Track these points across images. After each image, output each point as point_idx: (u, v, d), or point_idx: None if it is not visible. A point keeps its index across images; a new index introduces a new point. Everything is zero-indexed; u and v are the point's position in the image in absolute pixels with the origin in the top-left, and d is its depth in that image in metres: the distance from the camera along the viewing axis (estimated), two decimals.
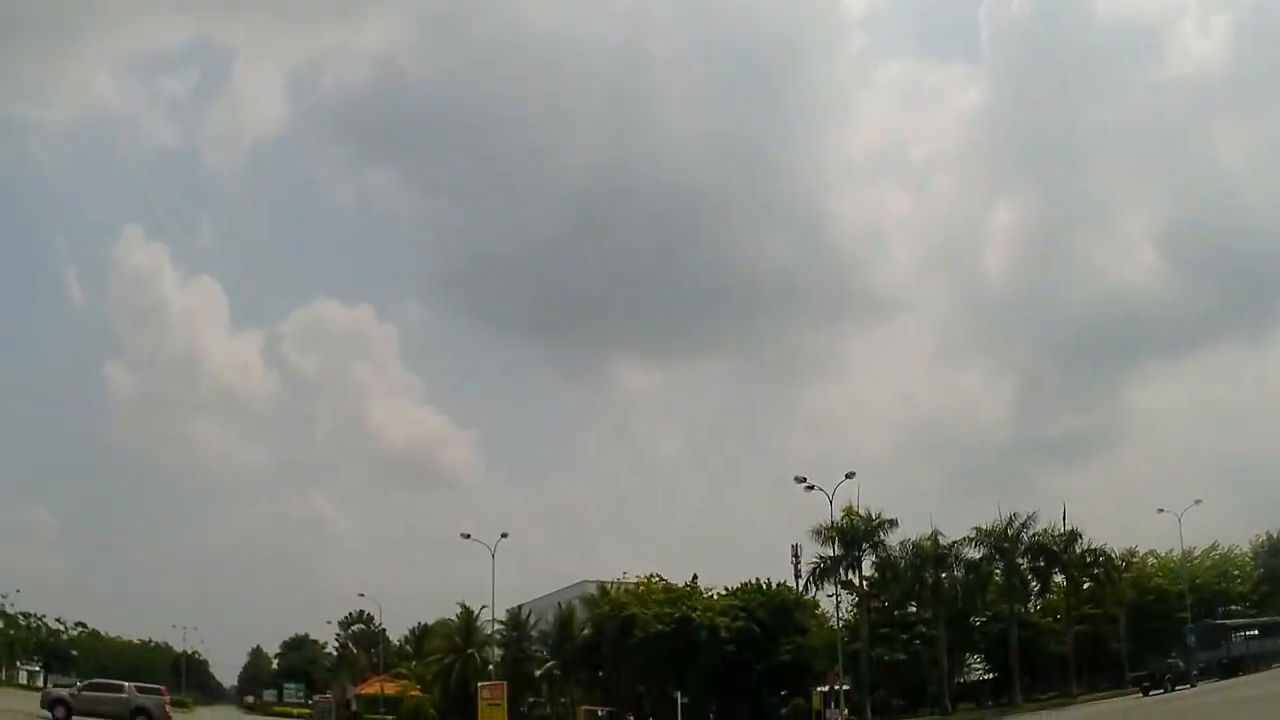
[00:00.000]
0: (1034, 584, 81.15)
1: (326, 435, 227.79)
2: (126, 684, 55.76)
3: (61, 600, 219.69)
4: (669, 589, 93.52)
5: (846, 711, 72.26)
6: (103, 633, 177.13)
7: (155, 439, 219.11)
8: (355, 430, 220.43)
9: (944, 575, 77.41)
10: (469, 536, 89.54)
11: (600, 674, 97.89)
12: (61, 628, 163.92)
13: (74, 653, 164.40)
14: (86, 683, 61.80)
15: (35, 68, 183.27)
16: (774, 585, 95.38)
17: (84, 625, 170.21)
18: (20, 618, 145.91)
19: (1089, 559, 78.37)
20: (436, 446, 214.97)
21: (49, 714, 54.26)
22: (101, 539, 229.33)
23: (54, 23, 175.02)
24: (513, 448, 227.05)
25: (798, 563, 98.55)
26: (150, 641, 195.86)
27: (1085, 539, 78.03)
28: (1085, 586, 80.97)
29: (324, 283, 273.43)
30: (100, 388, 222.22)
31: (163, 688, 56.70)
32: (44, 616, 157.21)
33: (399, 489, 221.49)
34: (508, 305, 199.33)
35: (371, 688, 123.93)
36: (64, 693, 57.72)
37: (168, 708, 55.48)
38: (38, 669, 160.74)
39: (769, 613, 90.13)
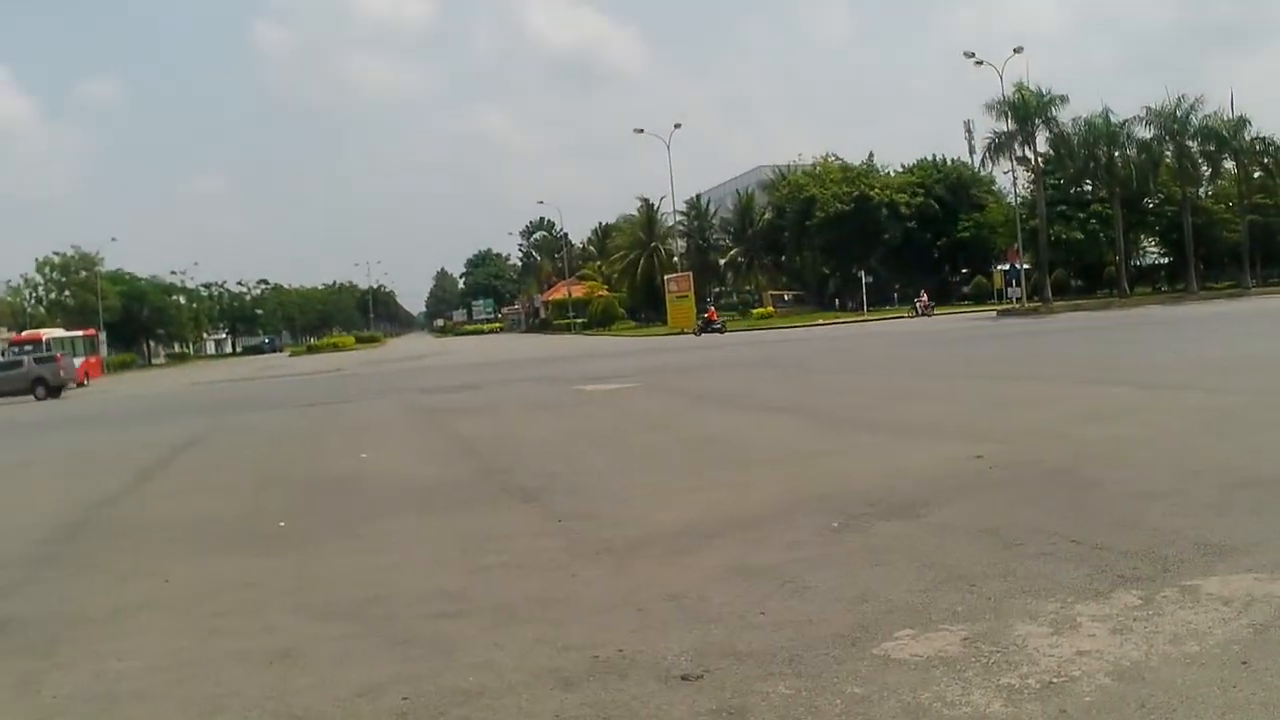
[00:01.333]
0: (1205, 168, 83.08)
1: (487, 49, 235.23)
2: (26, 358, 63.34)
3: (243, 262, 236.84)
4: (846, 168, 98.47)
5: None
6: (286, 286, 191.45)
7: (315, 86, 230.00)
8: (515, 39, 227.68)
9: (1116, 154, 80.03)
10: (642, 131, 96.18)
11: (783, 258, 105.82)
12: (244, 289, 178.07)
13: (259, 311, 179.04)
14: None
15: None
16: (949, 162, 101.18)
17: (266, 282, 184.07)
18: (201, 289, 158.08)
19: (1259, 147, 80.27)
20: (599, 45, 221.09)
21: None
22: (275, 195, 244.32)
23: None
24: (676, 37, 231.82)
25: (971, 139, 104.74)
26: (335, 284, 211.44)
27: (1254, 127, 79.65)
28: (1255, 176, 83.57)
29: None
30: (251, 48, 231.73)
31: (59, 354, 63.77)
32: (224, 282, 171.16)
33: (567, 92, 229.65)
34: None
35: (559, 293, 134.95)
36: None
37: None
38: (224, 335, 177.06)
39: (947, 189, 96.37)
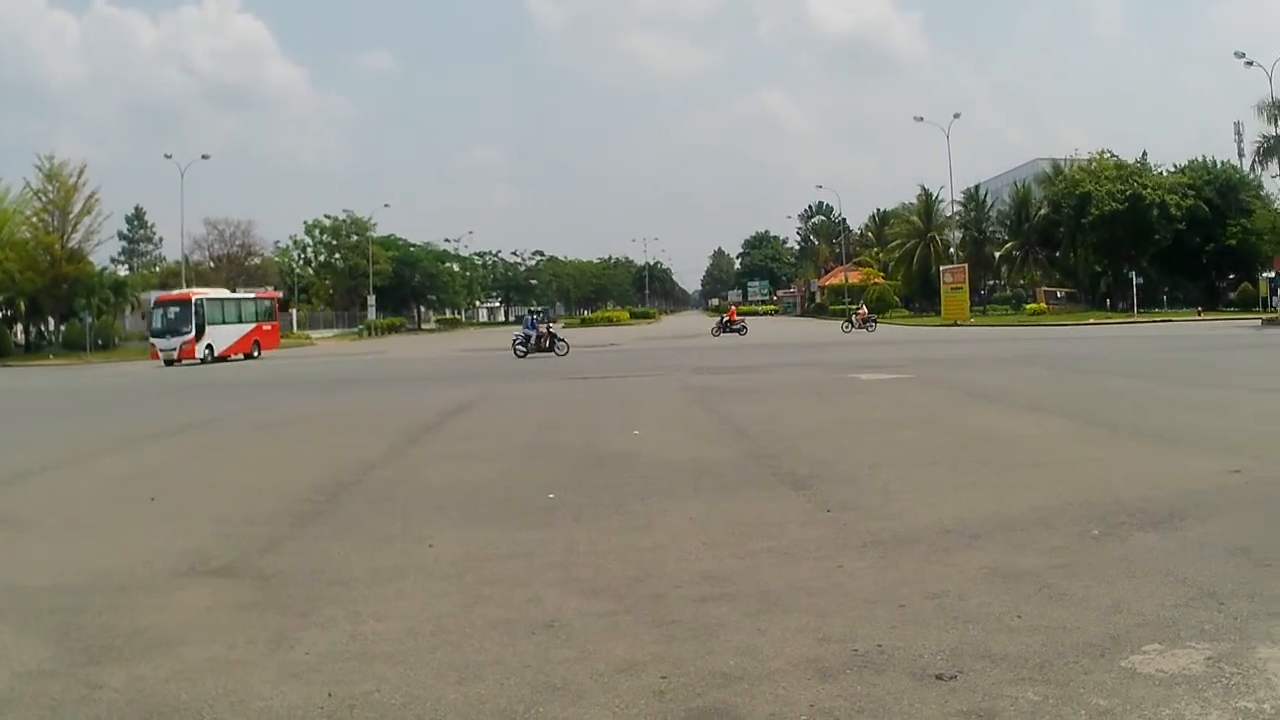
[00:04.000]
0: None
1: (769, 31, 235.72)
2: None
3: (520, 233, 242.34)
4: (1120, 165, 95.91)
5: None
6: (561, 258, 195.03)
7: (594, 61, 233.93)
8: (797, 22, 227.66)
9: None
10: (922, 119, 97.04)
11: (1057, 254, 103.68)
12: (518, 259, 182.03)
13: (533, 282, 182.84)
14: None
15: None
16: (1220, 164, 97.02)
17: (541, 253, 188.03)
18: (475, 258, 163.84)
19: None
20: (881, 29, 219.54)
21: None
22: (552, 168, 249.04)
23: None
24: (957, 26, 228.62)
25: (1241, 141, 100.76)
26: (611, 259, 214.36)
27: None
28: None
29: None
30: (529, 22, 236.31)
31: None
32: (499, 252, 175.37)
33: (848, 77, 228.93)
34: None
35: (835, 278, 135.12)
36: None
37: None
38: (497, 303, 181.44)
39: (1216, 191, 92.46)
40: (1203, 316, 74.06)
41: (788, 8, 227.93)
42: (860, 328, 70.81)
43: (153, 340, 62.19)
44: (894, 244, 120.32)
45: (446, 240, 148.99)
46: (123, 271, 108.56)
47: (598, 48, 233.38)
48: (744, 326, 73.81)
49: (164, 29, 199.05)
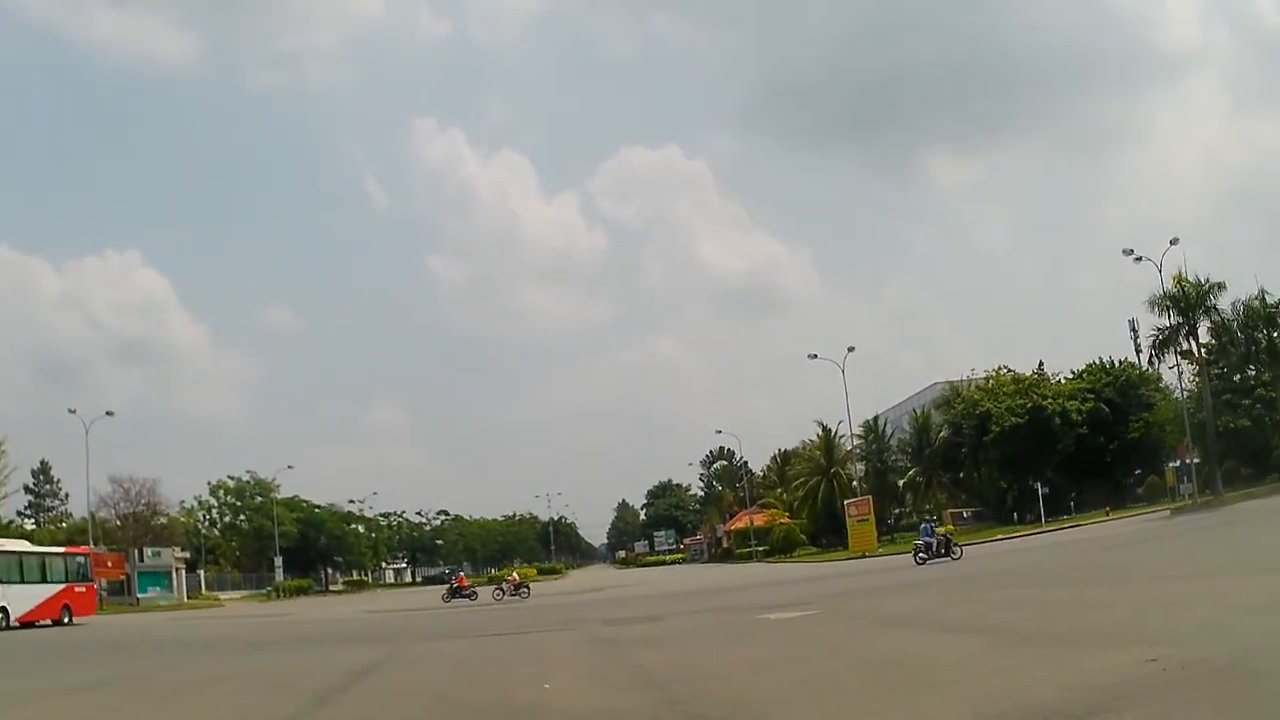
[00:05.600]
0: None
1: (660, 279, 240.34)
2: None
3: (424, 492, 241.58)
4: (1018, 379, 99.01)
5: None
6: (466, 517, 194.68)
7: (490, 317, 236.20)
8: (688, 269, 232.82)
9: (1276, 335, 78.87)
10: (816, 356, 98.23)
11: (961, 475, 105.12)
12: (423, 519, 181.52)
13: (439, 542, 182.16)
14: None
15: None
16: (1117, 363, 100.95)
17: (446, 513, 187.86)
18: (380, 518, 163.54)
19: None
20: (771, 270, 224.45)
21: None
22: (453, 425, 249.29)
23: None
24: (843, 259, 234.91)
25: (1136, 337, 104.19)
26: (515, 516, 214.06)
27: None
28: None
29: (624, 131, 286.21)
30: (427, 281, 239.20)
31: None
32: (404, 513, 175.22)
33: (740, 319, 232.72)
34: (815, 120, 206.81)
35: (740, 522, 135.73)
36: None
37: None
38: (404, 564, 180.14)
39: (1116, 390, 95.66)
40: (1111, 516, 75.98)
41: (677, 257, 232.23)
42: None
43: None
44: (797, 483, 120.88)
45: (351, 501, 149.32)
46: (29, 526, 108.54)
47: (495, 305, 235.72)
48: (475, 592, 68.35)
49: (67, 279, 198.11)
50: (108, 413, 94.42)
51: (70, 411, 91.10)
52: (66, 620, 56.25)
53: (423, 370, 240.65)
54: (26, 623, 53.43)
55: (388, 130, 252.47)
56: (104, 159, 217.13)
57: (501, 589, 67.91)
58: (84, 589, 60.38)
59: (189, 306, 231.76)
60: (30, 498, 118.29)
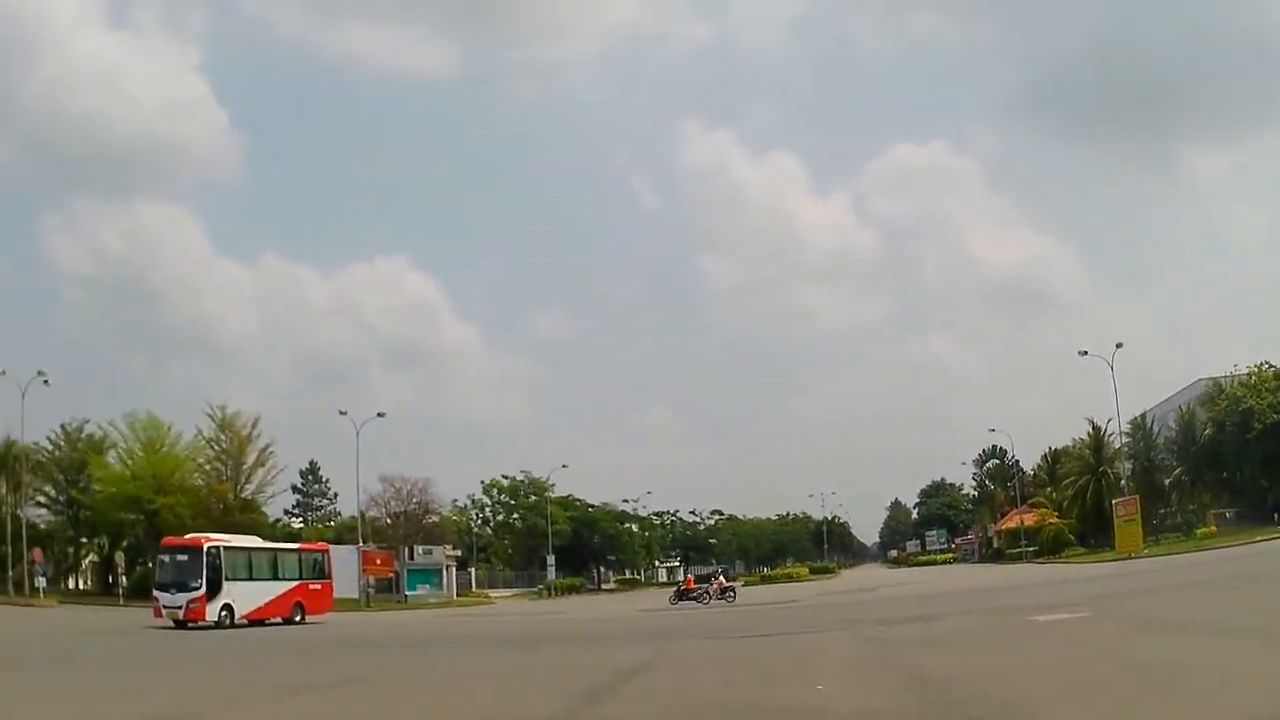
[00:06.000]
0: None
1: (931, 277, 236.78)
2: None
3: (697, 492, 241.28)
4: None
5: None
6: (740, 516, 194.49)
7: (763, 317, 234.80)
8: (958, 266, 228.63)
9: None
10: (1086, 353, 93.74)
11: (1224, 474, 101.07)
12: (696, 518, 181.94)
13: (712, 541, 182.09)
14: None
15: (555, 9, 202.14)
16: None
17: (719, 512, 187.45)
18: (653, 517, 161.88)
19: None
20: (1038, 266, 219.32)
21: None
22: (726, 425, 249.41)
23: None
24: (1107, 253, 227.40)
25: None
26: (789, 515, 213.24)
27: None
28: None
29: (891, 129, 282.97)
30: (698, 282, 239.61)
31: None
32: (677, 512, 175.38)
33: (1010, 315, 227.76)
34: (1075, 114, 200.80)
35: (1011, 521, 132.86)
36: None
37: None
38: (677, 563, 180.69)
39: None
40: None
41: (948, 255, 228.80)
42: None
43: (156, 594, 50.50)
44: (1066, 481, 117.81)
45: (625, 500, 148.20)
46: (296, 525, 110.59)
47: (767, 304, 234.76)
48: (704, 594, 66.39)
49: (335, 284, 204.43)
50: (379, 414, 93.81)
51: (341, 413, 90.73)
52: (299, 619, 54.17)
53: (695, 370, 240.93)
54: (256, 620, 51.30)
55: (653, 134, 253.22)
56: (370, 168, 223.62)
57: (708, 592, 66.63)
58: (319, 586, 57.90)
59: (459, 310, 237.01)
60: (298, 497, 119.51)
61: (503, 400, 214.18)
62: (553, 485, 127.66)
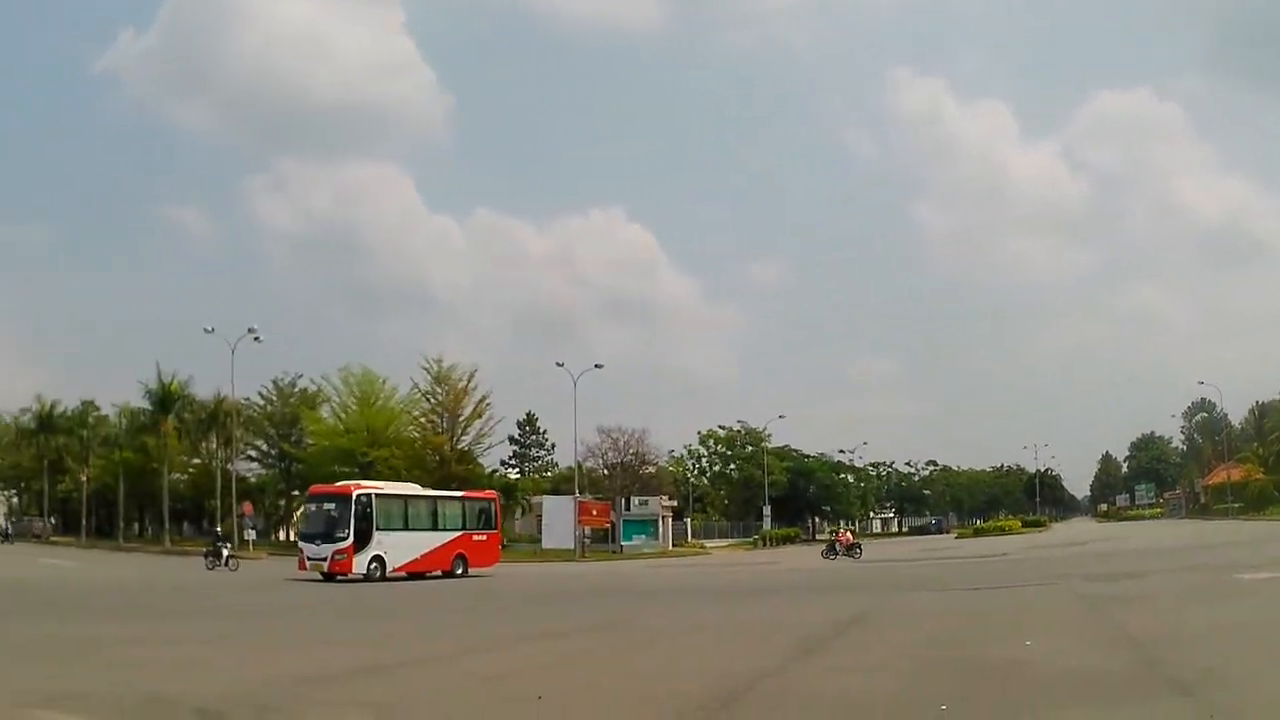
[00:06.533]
0: None
1: (1141, 225, 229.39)
2: None
3: (911, 443, 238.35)
4: None
5: None
6: (954, 467, 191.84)
7: (977, 266, 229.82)
8: (1167, 215, 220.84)
9: None
10: None
11: None
12: (911, 469, 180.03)
13: (925, 492, 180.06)
14: None
15: None
16: None
17: (934, 463, 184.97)
18: (869, 468, 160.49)
19: None
20: (1246, 215, 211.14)
21: None
22: (941, 376, 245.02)
23: None
24: None
25: None
26: (1003, 467, 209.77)
27: None
28: None
29: (1096, 76, 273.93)
30: (912, 231, 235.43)
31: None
32: (892, 463, 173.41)
33: (1219, 266, 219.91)
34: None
35: (1218, 477, 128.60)
36: None
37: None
38: (891, 514, 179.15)
39: None
40: None
41: (1156, 203, 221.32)
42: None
43: (300, 545, 48.40)
44: (1273, 437, 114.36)
45: (841, 451, 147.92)
46: (513, 475, 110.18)
47: (980, 253, 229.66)
48: (858, 548, 66.98)
49: (550, 238, 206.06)
50: (596, 365, 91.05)
51: (558, 365, 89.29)
52: (460, 571, 49.71)
53: (909, 320, 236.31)
54: (412, 574, 47.69)
55: (863, 82, 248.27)
56: (581, 122, 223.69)
57: (834, 548, 65.95)
58: (484, 537, 53.00)
59: (675, 261, 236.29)
60: (515, 448, 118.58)
61: (718, 350, 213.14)
62: (769, 435, 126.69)
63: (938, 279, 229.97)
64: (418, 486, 56.40)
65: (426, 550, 49.00)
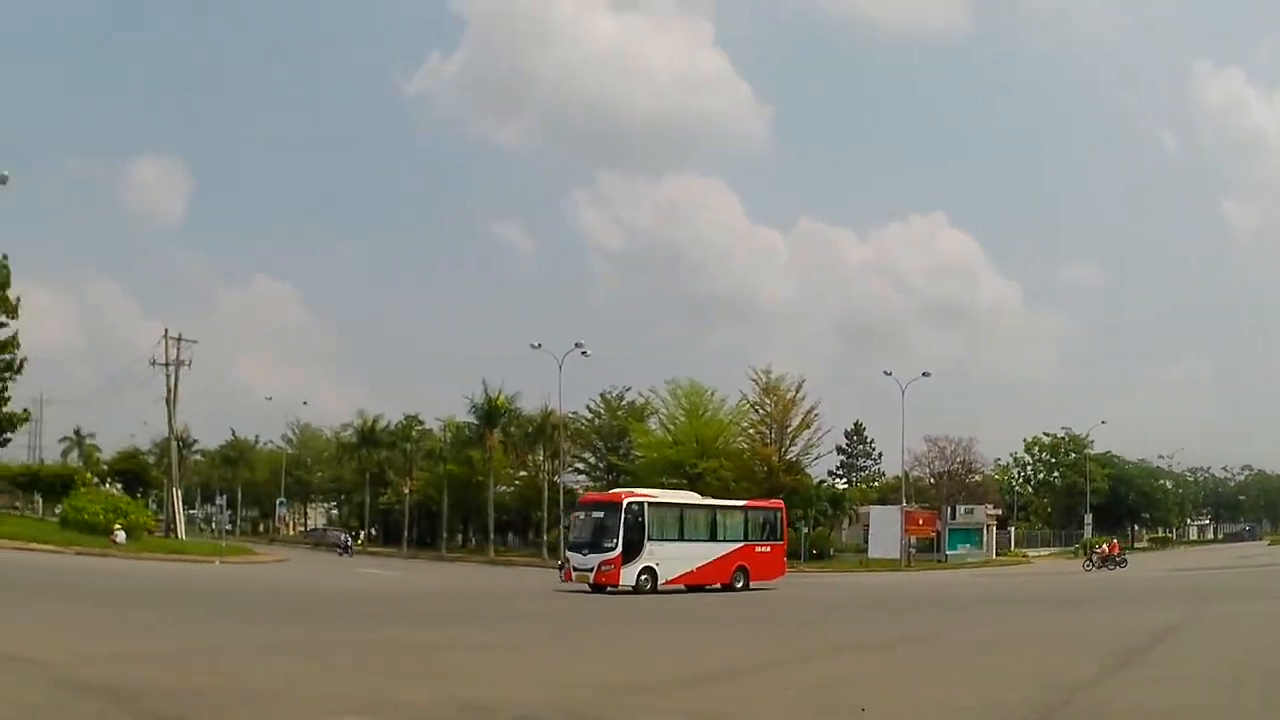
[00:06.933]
0: None
1: None
2: None
3: (1228, 447, 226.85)
4: None
5: None
6: (1268, 472, 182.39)
7: None
8: None
9: None
10: None
11: None
12: (1227, 475, 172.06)
13: (1240, 498, 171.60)
14: None
15: None
16: None
17: (1249, 468, 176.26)
18: (1187, 473, 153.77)
19: None
20: None
21: None
22: (1258, 377, 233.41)
23: None
24: None
25: None
26: None
27: None
28: None
29: None
30: (1221, 228, 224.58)
31: None
32: (1209, 468, 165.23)
33: None
34: None
35: None
36: None
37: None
38: (1206, 521, 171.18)
39: None
40: None
41: None
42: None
43: (568, 554, 46.11)
44: None
45: (1160, 456, 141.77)
46: (840, 485, 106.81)
47: None
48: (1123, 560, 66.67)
49: (872, 245, 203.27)
50: (924, 374, 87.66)
51: (885, 374, 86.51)
52: (740, 585, 46.13)
53: (1224, 320, 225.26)
54: (693, 585, 44.73)
55: (1165, 76, 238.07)
56: (898, 128, 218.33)
57: (1091, 559, 64.99)
58: (768, 549, 49.38)
59: (998, 265, 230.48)
60: (842, 458, 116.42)
61: (1038, 355, 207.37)
62: (1092, 442, 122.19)
63: (1247, 277, 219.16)
64: (696, 495, 54.03)
65: (703, 562, 45.88)
